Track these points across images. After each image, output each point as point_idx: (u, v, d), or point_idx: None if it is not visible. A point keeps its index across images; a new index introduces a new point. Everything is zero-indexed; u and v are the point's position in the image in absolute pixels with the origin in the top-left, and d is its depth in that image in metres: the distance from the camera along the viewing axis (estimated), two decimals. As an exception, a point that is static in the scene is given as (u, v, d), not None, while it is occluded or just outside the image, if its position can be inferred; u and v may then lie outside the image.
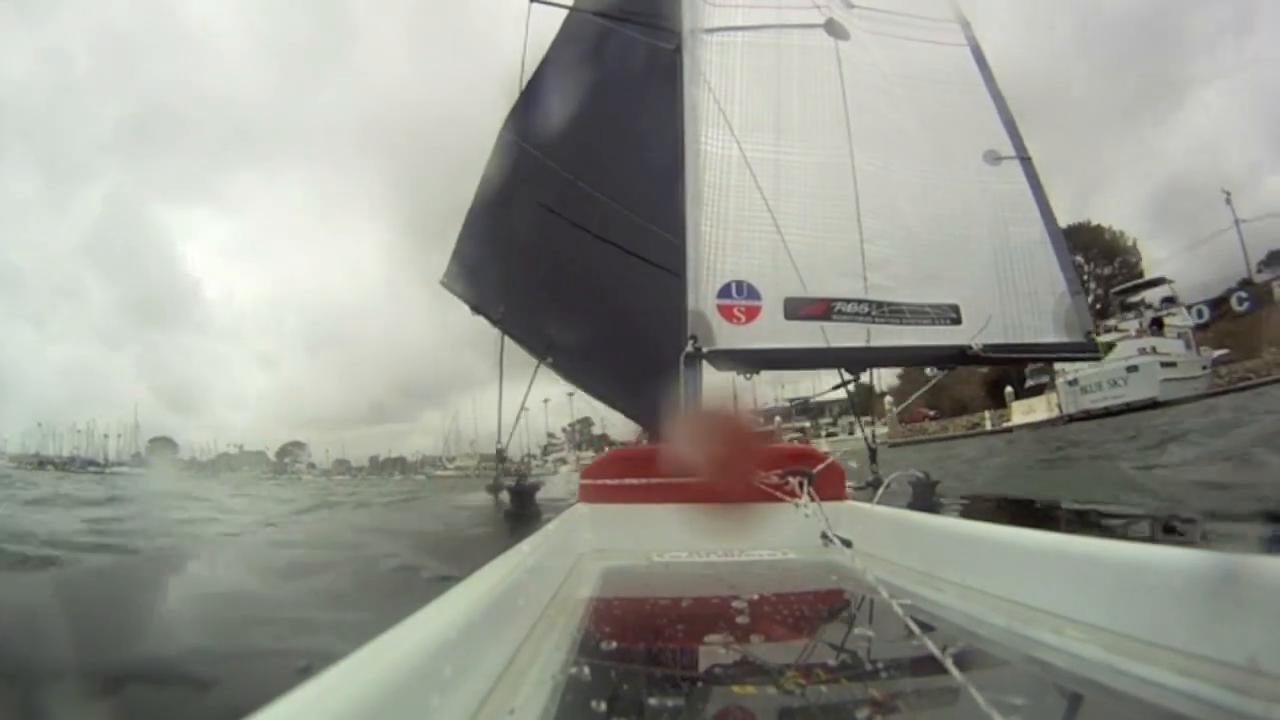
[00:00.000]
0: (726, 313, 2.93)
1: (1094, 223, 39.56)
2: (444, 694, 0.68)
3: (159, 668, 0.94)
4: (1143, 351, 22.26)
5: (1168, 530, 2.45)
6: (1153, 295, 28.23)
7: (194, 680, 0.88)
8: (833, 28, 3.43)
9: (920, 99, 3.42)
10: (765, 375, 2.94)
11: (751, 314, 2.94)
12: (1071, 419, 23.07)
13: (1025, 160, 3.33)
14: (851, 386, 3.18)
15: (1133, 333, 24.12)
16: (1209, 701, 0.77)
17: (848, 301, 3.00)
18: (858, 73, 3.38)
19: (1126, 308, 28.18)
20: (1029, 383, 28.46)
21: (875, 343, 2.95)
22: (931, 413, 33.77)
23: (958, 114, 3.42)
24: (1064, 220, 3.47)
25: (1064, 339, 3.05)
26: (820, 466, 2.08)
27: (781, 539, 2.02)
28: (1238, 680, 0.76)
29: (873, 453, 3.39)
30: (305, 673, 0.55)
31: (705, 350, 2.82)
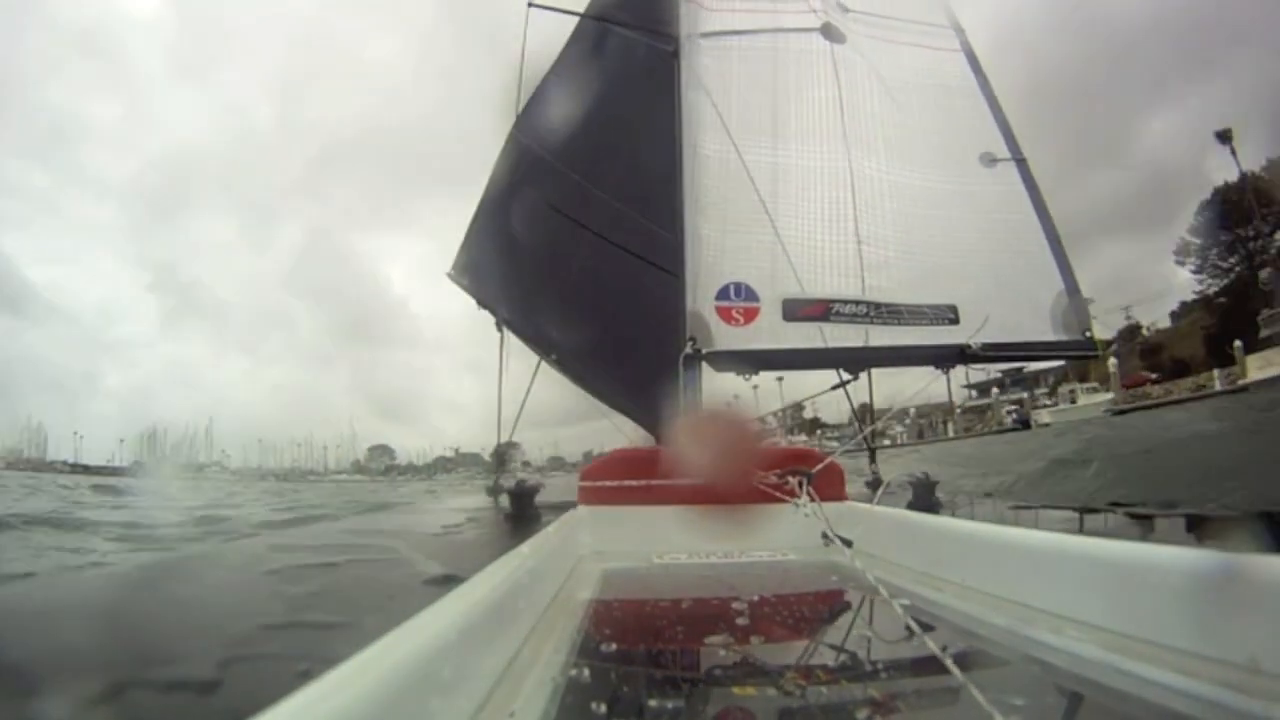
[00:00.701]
0: (725, 314, 2.93)
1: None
2: (444, 696, 0.68)
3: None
4: None
5: None
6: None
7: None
8: (829, 32, 3.45)
9: (916, 102, 3.44)
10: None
11: (750, 315, 2.95)
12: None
13: (1021, 162, 3.35)
14: (850, 388, 3.18)
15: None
16: (1209, 701, 0.77)
17: (845, 303, 3.00)
18: (854, 76, 3.40)
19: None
20: (1263, 332, 24.56)
21: (874, 343, 2.96)
22: (1154, 376, 29.87)
23: (953, 117, 3.44)
24: (1063, 218, 3.47)
25: (1062, 338, 3.06)
26: (820, 466, 2.08)
27: (782, 539, 2.02)
28: (1238, 680, 0.76)
29: (872, 453, 3.39)
30: (306, 675, 0.55)
31: (704, 351, 2.82)
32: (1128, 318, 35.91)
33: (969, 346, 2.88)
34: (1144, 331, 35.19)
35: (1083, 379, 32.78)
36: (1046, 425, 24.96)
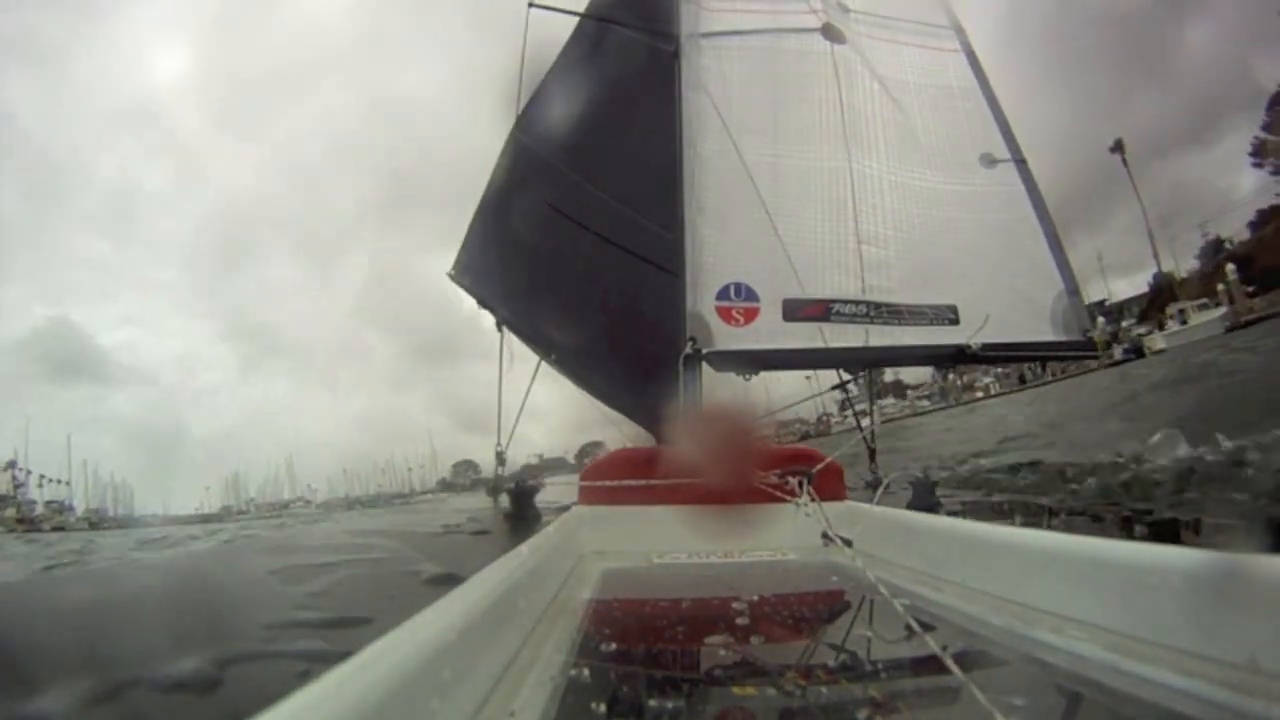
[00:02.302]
0: (725, 314, 2.93)
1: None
2: (444, 696, 0.68)
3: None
4: None
5: None
6: None
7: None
8: (829, 32, 3.45)
9: (916, 103, 3.44)
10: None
11: (750, 315, 2.95)
12: None
13: (1021, 163, 3.35)
14: (852, 386, 3.18)
15: None
16: (1209, 701, 0.77)
17: (845, 303, 3.00)
18: (854, 77, 3.40)
19: None
20: None
21: (874, 343, 2.96)
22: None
23: (953, 117, 3.44)
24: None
25: (1062, 338, 3.06)
26: (820, 466, 2.08)
27: (781, 539, 2.02)
28: (1238, 680, 0.76)
29: (872, 453, 3.39)
30: (305, 676, 0.55)
31: (704, 351, 2.82)
32: (1204, 235, 33.46)
33: (968, 347, 2.88)
34: (1227, 245, 32.04)
35: (1170, 298, 30.02)
36: (1162, 351, 23.13)
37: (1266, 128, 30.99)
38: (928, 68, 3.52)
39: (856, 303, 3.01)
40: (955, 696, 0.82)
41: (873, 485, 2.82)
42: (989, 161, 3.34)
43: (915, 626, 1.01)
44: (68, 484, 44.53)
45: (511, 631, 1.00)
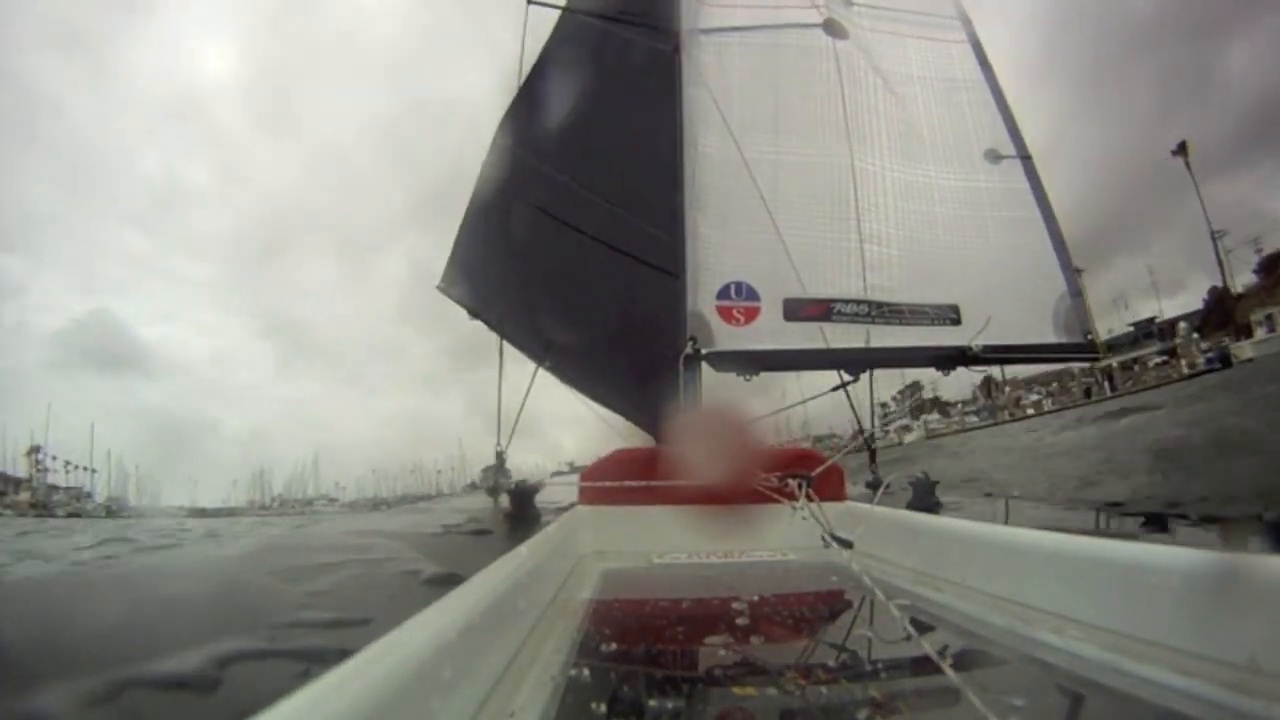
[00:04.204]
0: (726, 314, 2.93)
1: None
2: (444, 696, 0.68)
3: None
4: None
5: None
6: None
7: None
8: (831, 27, 3.43)
9: (920, 97, 3.42)
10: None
11: (751, 315, 2.94)
12: None
13: (1026, 159, 3.33)
14: (851, 389, 3.17)
15: None
16: (1209, 701, 0.77)
17: (847, 302, 2.99)
18: (857, 72, 3.38)
19: None
20: None
21: (875, 343, 2.95)
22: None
23: (958, 112, 3.41)
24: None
25: (1064, 339, 3.05)
26: (820, 469, 2.08)
27: (781, 540, 2.02)
28: (1238, 680, 0.76)
29: (872, 454, 3.38)
30: (306, 675, 0.55)
31: (705, 351, 2.82)
32: (1258, 250, 32.70)
33: (969, 348, 2.87)
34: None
35: (1228, 312, 29.00)
36: (1250, 360, 21.86)
37: None
38: (932, 60, 3.49)
39: (858, 302, 3.00)
40: (955, 697, 0.82)
41: (873, 486, 2.82)
42: (994, 157, 3.32)
43: (910, 630, 1.01)
44: (94, 472, 44.46)
45: (512, 631, 1.00)
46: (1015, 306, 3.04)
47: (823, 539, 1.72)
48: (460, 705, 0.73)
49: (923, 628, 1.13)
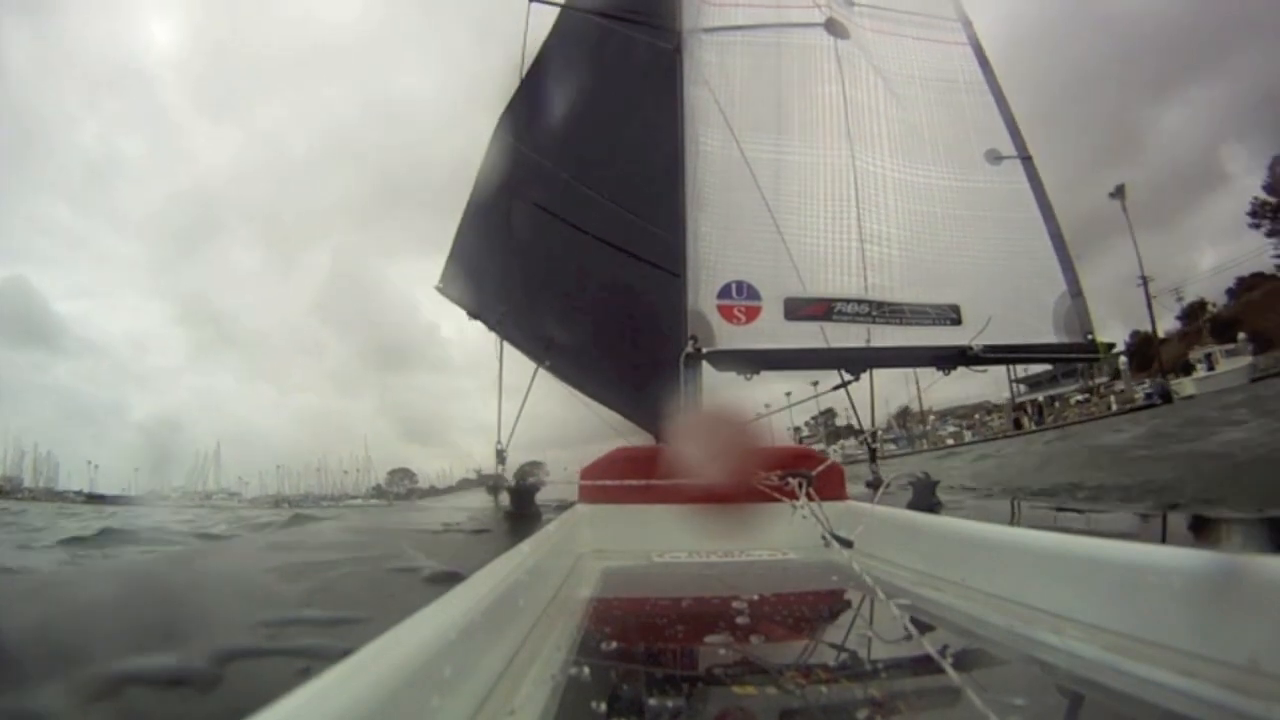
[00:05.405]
0: (726, 313, 2.93)
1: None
2: (444, 695, 0.68)
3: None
4: None
5: None
6: None
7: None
8: (833, 27, 3.43)
9: (921, 98, 3.42)
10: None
11: (752, 314, 2.94)
12: None
13: (1026, 160, 3.33)
14: (850, 389, 3.17)
15: None
16: (1209, 701, 0.77)
17: (848, 302, 2.99)
18: (858, 72, 3.38)
19: None
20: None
21: (875, 343, 2.95)
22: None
23: (959, 113, 3.41)
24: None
25: (1064, 340, 3.05)
26: (820, 468, 2.08)
27: (781, 539, 2.02)
28: (1238, 680, 0.76)
29: (873, 453, 3.39)
30: (305, 674, 0.55)
31: (705, 351, 2.82)
32: (1179, 299, 35.19)
33: (970, 348, 2.87)
34: (1211, 308, 34.04)
35: (1150, 356, 30.80)
36: (1191, 397, 22.40)
37: (1269, 188, 31.82)
38: (933, 61, 3.49)
39: (859, 302, 3.00)
40: (955, 697, 0.82)
41: (873, 485, 2.82)
42: (994, 158, 3.32)
43: (911, 629, 1.01)
44: (-13, 449, 41.86)
45: (512, 629, 1.00)
46: (1015, 306, 3.04)
47: (823, 538, 1.72)
48: (460, 703, 0.73)
49: (923, 627, 1.13)
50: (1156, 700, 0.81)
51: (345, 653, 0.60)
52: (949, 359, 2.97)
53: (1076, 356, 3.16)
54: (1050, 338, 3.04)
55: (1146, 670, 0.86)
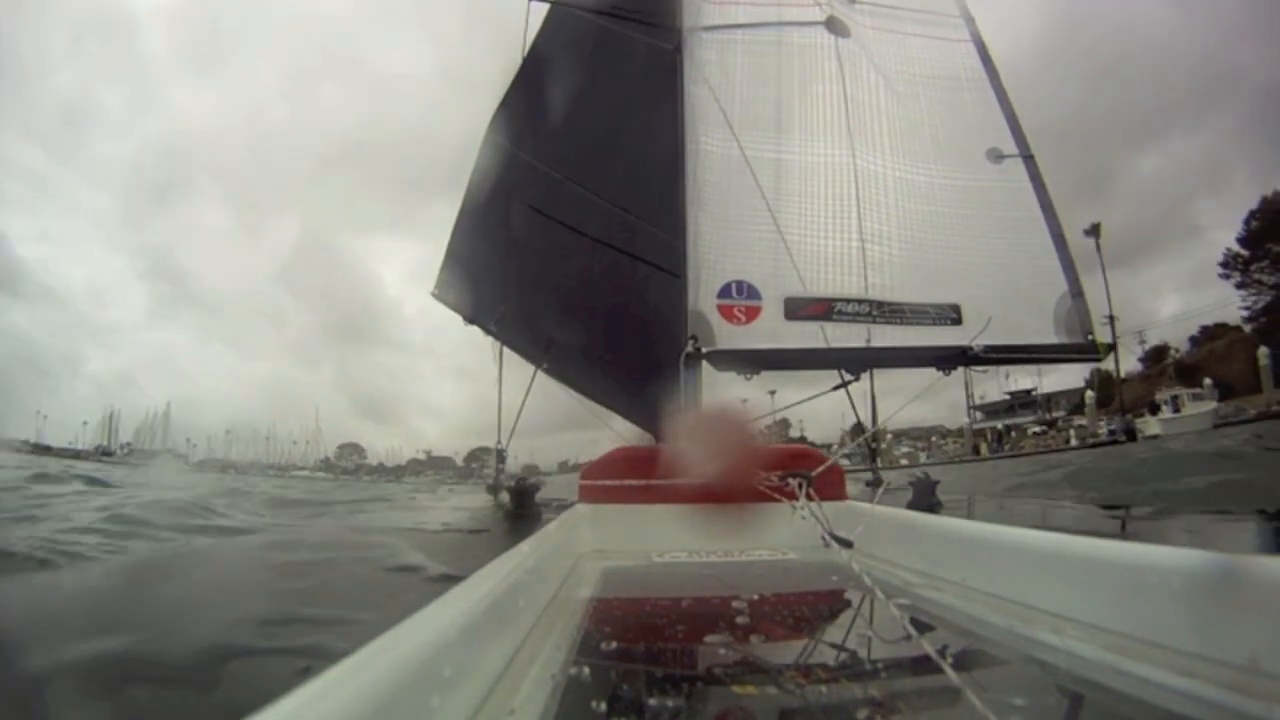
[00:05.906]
0: (727, 313, 2.93)
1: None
2: (444, 694, 0.68)
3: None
4: None
5: None
6: None
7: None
8: (834, 25, 3.43)
9: (922, 96, 3.41)
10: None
11: (752, 314, 2.94)
12: None
13: (1028, 158, 3.32)
14: (850, 389, 3.17)
15: None
16: (1209, 701, 0.77)
17: (848, 301, 2.99)
18: (859, 70, 3.38)
19: None
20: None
21: (876, 343, 2.95)
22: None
23: (960, 111, 3.41)
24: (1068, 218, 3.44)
25: (1064, 340, 3.05)
26: (820, 468, 2.08)
27: (781, 539, 2.02)
28: (1238, 680, 0.76)
29: (873, 453, 3.39)
30: (306, 673, 0.55)
31: (705, 350, 2.82)
32: (1141, 342, 36.48)
33: (970, 348, 2.87)
34: (1174, 353, 35.01)
35: (1109, 398, 31.65)
36: (1155, 437, 22.52)
37: (1244, 240, 32.09)
38: (934, 59, 3.49)
39: (859, 301, 3.00)
40: (955, 697, 0.82)
41: (873, 485, 2.82)
42: (996, 156, 3.32)
43: (911, 630, 1.01)
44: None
45: (512, 629, 1.00)
46: (1016, 306, 3.04)
47: (823, 538, 1.72)
48: (460, 703, 0.73)
49: (923, 627, 1.13)
50: (1156, 700, 0.81)
51: (345, 653, 0.60)
52: (949, 359, 2.97)
53: (1077, 357, 3.15)
54: (1051, 338, 3.04)
55: (1146, 670, 0.86)
